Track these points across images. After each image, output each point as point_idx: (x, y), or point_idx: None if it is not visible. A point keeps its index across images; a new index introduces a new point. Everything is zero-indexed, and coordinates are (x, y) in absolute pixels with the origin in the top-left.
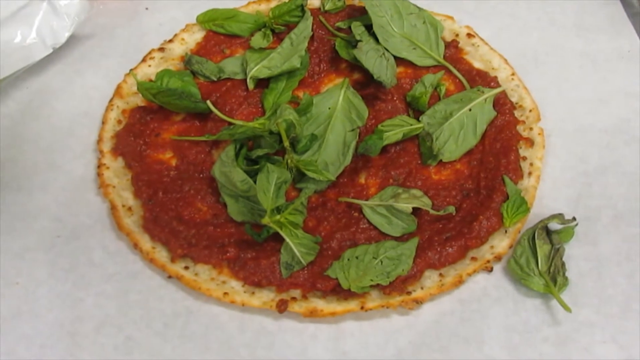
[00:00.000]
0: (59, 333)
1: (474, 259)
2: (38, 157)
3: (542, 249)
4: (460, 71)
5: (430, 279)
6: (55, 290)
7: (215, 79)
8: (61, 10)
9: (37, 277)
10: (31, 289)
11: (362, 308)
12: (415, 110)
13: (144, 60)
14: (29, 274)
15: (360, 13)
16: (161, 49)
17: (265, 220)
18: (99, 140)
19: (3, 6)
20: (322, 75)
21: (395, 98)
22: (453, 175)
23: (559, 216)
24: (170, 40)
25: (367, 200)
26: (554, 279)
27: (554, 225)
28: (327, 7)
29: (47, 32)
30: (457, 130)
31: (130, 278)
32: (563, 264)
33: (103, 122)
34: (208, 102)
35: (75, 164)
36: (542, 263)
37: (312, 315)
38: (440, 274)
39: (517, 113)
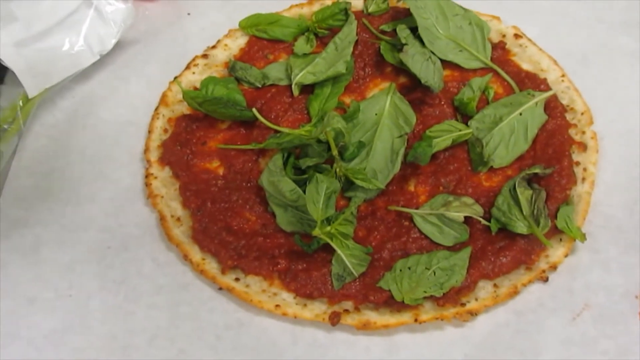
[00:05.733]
0: (111, 346)
1: (528, 268)
2: (85, 168)
3: (524, 195)
4: (509, 73)
5: (484, 289)
6: (107, 302)
7: (259, 86)
8: (108, 16)
9: (88, 289)
10: (83, 301)
11: (415, 320)
12: (464, 115)
13: (187, 67)
14: (81, 286)
15: (404, 15)
16: (204, 56)
17: (316, 232)
18: (146, 149)
19: (51, 13)
20: (367, 79)
21: (442, 102)
22: (504, 181)
23: (539, 166)
24: (214, 47)
25: (417, 208)
26: (537, 221)
27: None
28: (370, 10)
29: (94, 39)
30: (508, 135)
31: (181, 290)
32: (545, 207)
33: (149, 131)
34: (254, 110)
35: (123, 174)
36: (525, 207)
37: (365, 327)
38: (495, 285)
39: (568, 116)
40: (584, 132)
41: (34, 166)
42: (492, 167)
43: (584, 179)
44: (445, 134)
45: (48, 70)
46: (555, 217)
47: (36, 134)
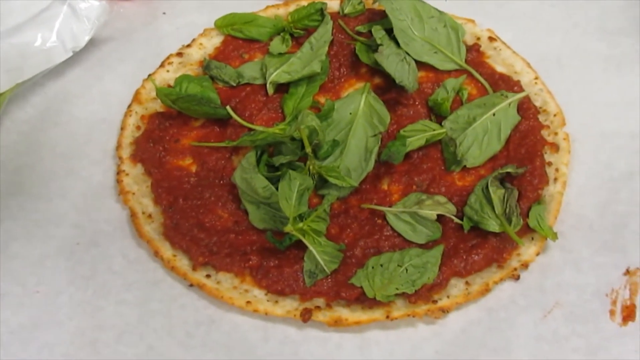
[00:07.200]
0: (80, 342)
1: (500, 266)
2: (57, 164)
3: (496, 194)
4: (483, 75)
5: (457, 287)
6: (75, 298)
7: (234, 84)
8: (81, 13)
9: (57, 285)
10: (52, 297)
11: (387, 317)
12: (438, 115)
13: (162, 65)
14: (50, 282)
15: (380, 17)
16: (179, 54)
17: (288, 228)
18: (118, 146)
19: (24, 9)
20: (342, 79)
21: (417, 103)
22: (477, 181)
23: (512, 166)
24: (189, 45)
25: (390, 206)
26: (509, 219)
27: None
28: (346, 11)
29: (67, 36)
30: (481, 135)
31: (151, 286)
32: (517, 206)
33: (122, 128)
34: (228, 107)
35: (94, 171)
36: (498, 206)
37: (337, 324)
38: (467, 282)
39: (541, 117)
40: (556, 134)
41: (5, 161)
42: (465, 166)
43: (556, 179)
44: (419, 133)
45: (19, 66)
46: (527, 216)
47: (7, 130)
